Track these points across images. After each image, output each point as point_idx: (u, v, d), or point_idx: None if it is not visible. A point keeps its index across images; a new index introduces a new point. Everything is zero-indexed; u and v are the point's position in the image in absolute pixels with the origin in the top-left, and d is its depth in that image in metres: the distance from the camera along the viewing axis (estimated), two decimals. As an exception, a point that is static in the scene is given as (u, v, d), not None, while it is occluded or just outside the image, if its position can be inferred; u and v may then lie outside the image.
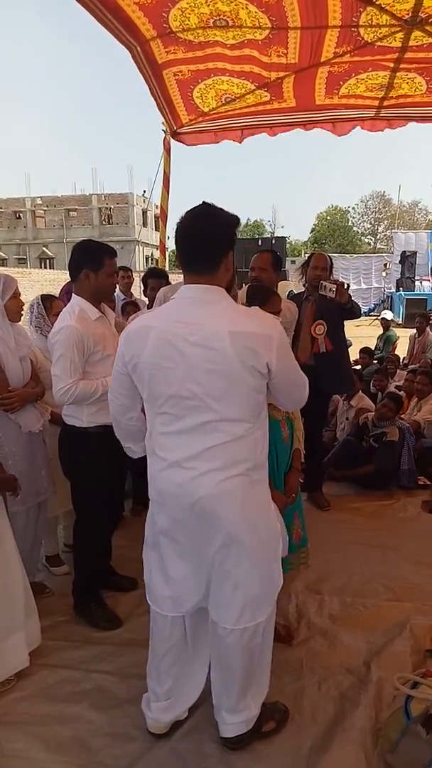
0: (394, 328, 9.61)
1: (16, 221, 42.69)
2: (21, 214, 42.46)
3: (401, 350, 9.13)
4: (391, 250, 29.15)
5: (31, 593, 2.41)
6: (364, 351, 7.32)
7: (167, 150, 5.07)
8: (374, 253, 38.91)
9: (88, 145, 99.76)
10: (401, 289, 22.26)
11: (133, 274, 5.96)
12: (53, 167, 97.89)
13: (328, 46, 3.63)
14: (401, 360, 8.24)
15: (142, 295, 4.46)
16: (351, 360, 4.79)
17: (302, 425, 2.51)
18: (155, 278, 4.13)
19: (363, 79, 4.17)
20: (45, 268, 35.76)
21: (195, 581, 1.82)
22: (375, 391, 5.83)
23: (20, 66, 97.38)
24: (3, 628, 2.24)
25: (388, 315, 9.86)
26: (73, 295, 2.61)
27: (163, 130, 5.02)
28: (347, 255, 32.83)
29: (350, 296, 3.71)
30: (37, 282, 19.91)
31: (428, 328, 8.42)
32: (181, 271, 1.77)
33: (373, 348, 8.21)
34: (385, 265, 25.84)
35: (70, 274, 2.62)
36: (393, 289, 23.72)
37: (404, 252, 23.62)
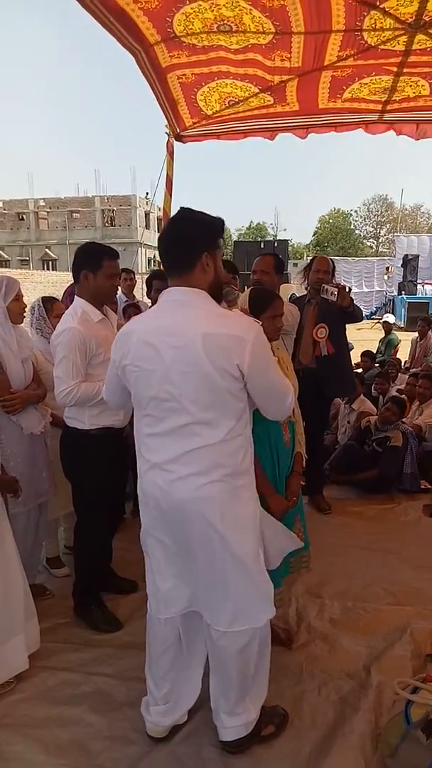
0: (395, 332, 9.60)
1: (19, 223, 42.79)
2: (24, 216, 42.57)
3: (403, 354, 9.12)
4: (393, 253, 29.18)
5: (31, 596, 2.41)
6: (366, 354, 7.31)
7: (170, 153, 5.08)
8: (376, 256, 38.96)
9: (91, 146, 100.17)
10: (403, 292, 22.27)
11: (136, 276, 5.96)
12: (56, 169, 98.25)
13: (332, 49, 3.63)
14: (403, 363, 8.24)
15: (145, 297, 4.45)
16: (353, 363, 4.79)
17: (303, 428, 2.51)
18: (159, 280, 4.12)
19: (366, 84, 4.17)
20: (48, 269, 35.86)
21: (183, 583, 1.84)
22: (376, 395, 5.83)
23: (21, 66, 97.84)
24: (3, 631, 2.24)
25: (390, 318, 9.86)
26: (75, 297, 2.62)
27: (166, 132, 5.03)
28: (349, 258, 32.87)
29: (352, 299, 3.72)
30: (40, 284, 19.99)
31: (430, 332, 8.41)
32: None
33: (374, 351, 8.21)
34: (388, 268, 25.84)
35: (73, 276, 2.63)
36: (395, 293, 23.72)
37: (406, 255, 23.64)
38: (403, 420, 4.85)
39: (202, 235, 1.74)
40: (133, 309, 4.60)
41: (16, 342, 2.67)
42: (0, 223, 42.69)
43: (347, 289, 3.67)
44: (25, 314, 2.81)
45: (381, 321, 11.11)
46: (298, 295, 4.62)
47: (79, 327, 2.46)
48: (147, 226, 40.60)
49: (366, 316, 18.49)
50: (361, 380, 5.70)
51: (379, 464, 4.44)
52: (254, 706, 1.95)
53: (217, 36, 3.41)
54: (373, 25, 3.31)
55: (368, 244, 56.90)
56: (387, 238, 52.01)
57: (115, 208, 41.45)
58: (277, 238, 41.75)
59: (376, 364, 7.38)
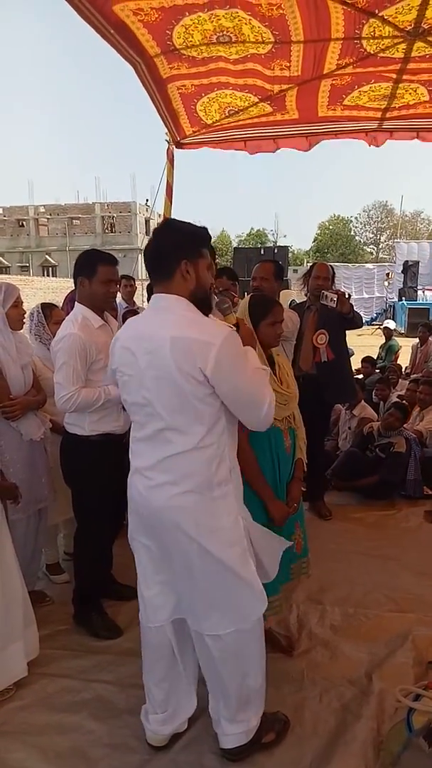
0: (396, 338, 9.62)
1: (19, 229, 42.99)
2: (24, 222, 42.78)
3: (403, 360, 9.14)
4: (393, 259, 29.25)
5: (30, 603, 2.41)
6: (366, 360, 7.32)
7: (170, 160, 5.11)
8: (376, 262, 38.99)
9: (91, 153, 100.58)
10: (404, 298, 22.29)
11: (136, 283, 5.98)
12: (56, 176, 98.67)
13: (331, 58, 3.65)
14: (403, 369, 8.25)
15: (146, 303, 4.47)
16: (353, 369, 4.79)
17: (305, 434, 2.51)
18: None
19: (365, 92, 4.20)
20: (47, 276, 35.95)
21: (169, 590, 1.86)
22: (377, 401, 5.83)
23: (21, 74, 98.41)
24: (1, 638, 2.23)
25: (390, 324, 9.90)
26: (76, 303, 2.63)
27: (166, 140, 5.06)
28: (349, 264, 32.93)
29: (352, 306, 3.73)
30: (40, 290, 20.05)
31: (431, 338, 8.42)
32: None
33: (375, 357, 8.22)
34: (388, 274, 25.87)
35: (74, 283, 2.65)
36: (395, 299, 23.75)
37: (407, 261, 23.70)
38: (404, 426, 4.85)
39: (181, 243, 1.76)
40: (131, 315, 4.60)
41: (16, 348, 2.67)
42: (0, 230, 42.88)
43: (347, 296, 3.68)
44: (24, 321, 2.82)
45: (381, 327, 11.12)
46: (298, 302, 4.63)
47: (80, 333, 2.47)
48: (147, 233, 40.66)
49: (366, 322, 18.56)
50: (362, 386, 5.70)
51: (380, 470, 4.43)
52: (255, 713, 1.94)
53: (216, 47, 3.44)
54: (372, 33, 3.33)
55: (368, 250, 57.01)
56: (387, 245, 52.15)
57: (115, 215, 41.66)
58: (277, 244, 41.84)
59: (377, 370, 7.39)
